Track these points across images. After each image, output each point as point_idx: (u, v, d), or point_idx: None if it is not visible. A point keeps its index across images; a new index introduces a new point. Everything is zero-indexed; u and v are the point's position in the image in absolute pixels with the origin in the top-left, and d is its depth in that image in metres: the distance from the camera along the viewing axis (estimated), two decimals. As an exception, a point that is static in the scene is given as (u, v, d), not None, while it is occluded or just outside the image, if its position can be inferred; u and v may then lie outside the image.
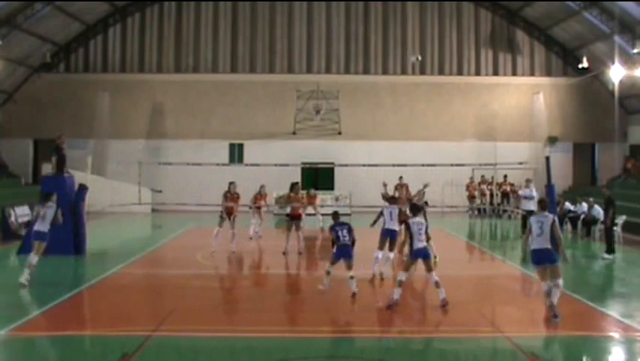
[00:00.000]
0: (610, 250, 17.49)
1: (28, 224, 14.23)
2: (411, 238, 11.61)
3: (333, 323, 10.88)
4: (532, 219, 10.87)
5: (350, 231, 12.31)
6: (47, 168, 23.80)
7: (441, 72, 32.51)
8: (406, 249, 15.73)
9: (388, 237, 13.83)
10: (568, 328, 10.35)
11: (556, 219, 10.83)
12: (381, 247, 13.65)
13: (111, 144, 31.12)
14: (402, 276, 11.40)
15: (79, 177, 18.92)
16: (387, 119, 31.85)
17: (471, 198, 30.06)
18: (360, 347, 9.67)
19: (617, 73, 26.98)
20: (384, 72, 32.49)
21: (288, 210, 18.09)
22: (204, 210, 22.30)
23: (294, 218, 17.64)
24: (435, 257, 15.89)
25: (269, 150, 30.47)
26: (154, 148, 31.01)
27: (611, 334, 10.14)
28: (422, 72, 32.44)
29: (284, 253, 17.14)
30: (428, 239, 15.99)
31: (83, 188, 17.54)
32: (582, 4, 27.70)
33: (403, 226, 14.24)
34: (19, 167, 30.80)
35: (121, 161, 29.18)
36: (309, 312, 11.70)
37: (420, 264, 15.93)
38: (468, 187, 29.97)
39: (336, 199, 29.68)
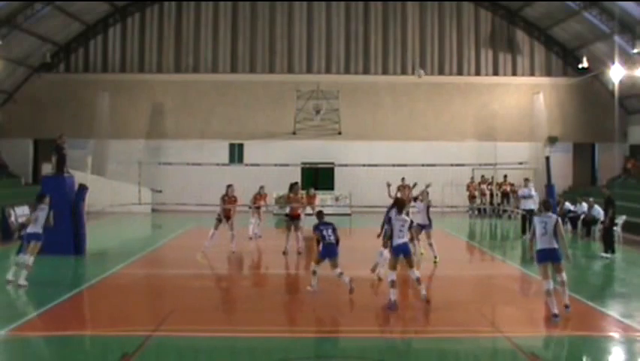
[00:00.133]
0: (608, 249, 17.57)
1: (22, 227, 14.25)
2: (392, 233, 11.55)
3: (333, 323, 10.88)
4: (536, 220, 11.00)
5: (334, 230, 12.47)
6: (47, 168, 23.79)
7: (441, 72, 32.51)
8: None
9: (402, 254, 11.56)
10: (568, 328, 10.35)
11: (559, 219, 10.99)
12: (393, 267, 11.54)
13: (111, 144, 31.12)
14: (391, 275, 11.38)
15: (79, 177, 18.93)
16: (387, 119, 31.84)
17: (471, 198, 30.05)
18: (360, 347, 9.66)
19: (617, 73, 26.99)
20: (384, 72, 32.49)
21: (288, 210, 18.11)
22: (204, 210, 22.30)
23: (294, 218, 17.66)
24: (435, 258, 15.94)
25: (269, 150, 30.47)
26: (154, 148, 31.01)
27: (611, 334, 10.13)
28: (422, 72, 32.42)
29: (284, 253, 17.15)
30: (430, 244, 16.10)
31: (82, 188, 17.53)
32: (582, 4, 27.70)
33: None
34: (19, 167, 30.81)
35: (121, 161, 29.20)
36: (309, 312, 11.70)
37: (419, 263, 16.10)
38: (468, 187, 29.97)
39: (336, 199, 29.69)
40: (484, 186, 30.13)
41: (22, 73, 31.17)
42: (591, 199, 21.92)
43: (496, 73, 32.58)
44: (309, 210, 21.91)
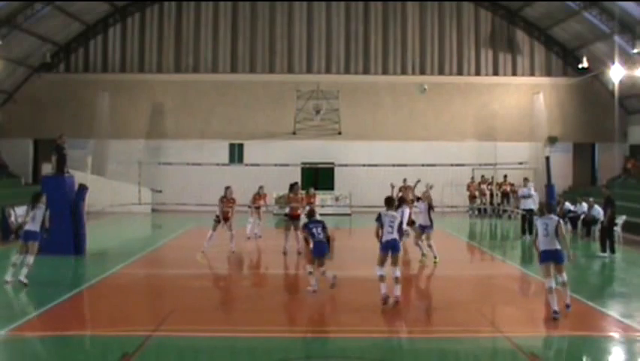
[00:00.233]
0: (605, 248, 17.64)
1: (20, 228, 14.30)
2: (382, 229, 11.55)
3: (333, 323, 10.88)
4: (538, 222, 11.17)
5: (324, 228, 12.58)
6: (47, 168, 23.79)
7: (441, 72, 32.50)
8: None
9: (390, 250, 11.62)
10: (568, 328, 10.36)
11: (561, 221, 11.10)
12: (381, 263, 11.58)
13: (111, 144, 31.12)
14: (380, 270, 11.43)
15: (79, 177, 18.94)
16: (387, 119, 31.83)
17: (472, 198, 30.05)
18: (360, 347, 9.66)
19: (617, 73, 26.98)
20: (384, 72, 32.49)
21: (287, 210, 18.14)
22: (204, 210, 22.29)
23: (293, 218, 17.68)
24: (435, 258, 15.94)
25: (269, 150, 30.47)
26: (154, 148, 31.01)
27: (611, 334, 10.13)
28: (422, 72, 32.43)
29: (284, 253, 17.17)
30: (430, 245, 16.12)
31: (83, 188, 17.54)
32: (582, 4, 27.70)
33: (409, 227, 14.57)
34: (19, 167, 30.80)
35: (121, 161, 29.21)
36: (309, 312, 11.70)
37: (419, 264, 16.11)
38: (469, 187, 29.97)
39: (336, 199, 29.70)
40: (484, 186, 30.14)
41: (22, 73, 31.17)
42: (591, 199, 21.92)
43: (496, 73, 32.58)
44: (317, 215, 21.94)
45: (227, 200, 17.59)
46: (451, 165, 23.95)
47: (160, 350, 9.18)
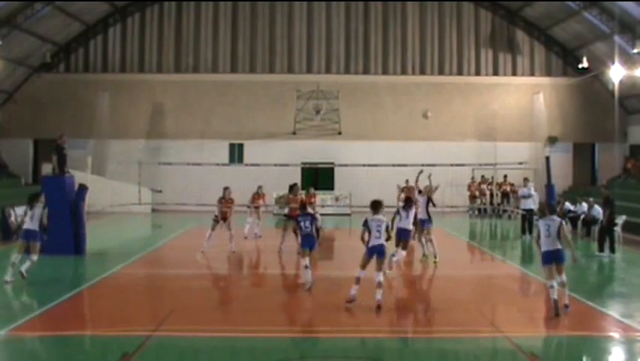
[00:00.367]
0: (603, 248, 17.71)
1: (19, 228, 14.35)
2: (369, 234, 11.46)
3: (333, 323, 10.87)
4: (541, 222, 11.28)
5: (312, 221, 12.78)
6: (47, 168, 23.82)
7: (441, 72, 32.50)
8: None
9: (375, 255, 11.56)
10: (568, 328, 10.37)
11: (563, 223, 11.26)
12: (363, 266, 11.57)
13: (111, 144, 31.12)
14: (360, 273, 11.40)
15: (79, 177, 18.95)
16: (387, 119, 31.84)
17: (472, 198, 30.06)
18: (360, 347, 9.67)
19: (617, 73, 26.98)
20: (384, 72, 32.49)
21: (287, 211, 18.17)
22: (204, 210, 22.28)
23: (292, 219, 17.67)
24: (435, 258, 15.95)
25: (269, 150, 30.46)
26: (154, 148, 31.02)
27: (611, 334, 10.13)
28: (422, 72, 32.45)
29: (278, 252, 17.16)
30: (430, 240, 16.14)
31: (83, 188, 17.54)
32: (582, 4, 27.70)
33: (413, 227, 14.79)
34: (19, 167, 30.80)
35: (121, 161, 29.18)
36: (309, 312, 11.71)
37: (419, 264, 16.12)
38: (469, 187, 29.97)
39: (336, 199, 29.70)
40: (484, 186, 30.15)
41: (22, 73, 31.17)
42: (591, 199, 21.92)
43: (496, 73, 32.58)
44: (309, 210, 21.94)
45: (225, 200, 17.63)
46: (451, 165, 23.93)
47: (160, 350, 9.18)
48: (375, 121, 31.78)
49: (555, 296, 10.70)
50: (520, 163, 24.48)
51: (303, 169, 29.79)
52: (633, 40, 26.18)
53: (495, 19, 32.74)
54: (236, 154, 31.68)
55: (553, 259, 10.94)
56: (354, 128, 31.08)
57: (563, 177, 30.72)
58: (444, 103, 32.03)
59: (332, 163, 29.36)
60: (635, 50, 25.83)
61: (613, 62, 27.04)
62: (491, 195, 30.34)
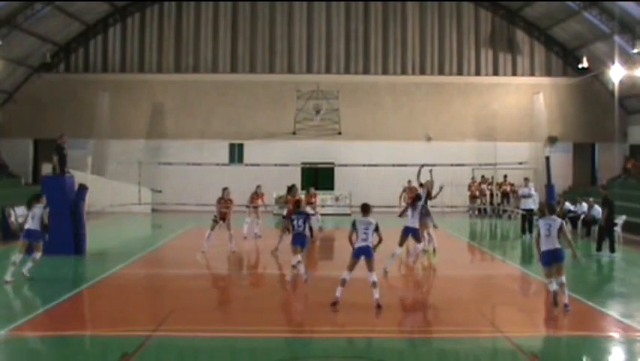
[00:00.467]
0: (601, 248, 17.77)
1: (20, 229, 14.41)
2: (357, 235, 11.54)
3: (333, 323, 10.88)
4: (541, 222, 11.43)
5: (305, 220, 12.87)
6: (47, 168, 23.81)
7: (441, 72, 32.50)
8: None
9: (363, 256, 11.58)
10: (568, 328, 10.38)
11: (564, 223, 11.47)
12: (350, 268, 11.57)
13: (111, 144, 31.11)
14: (346, 275, 11.43)
15: (79, 177, 18.94)
16: (387, 119, 31.83)
17: (473, 197, 30.05)
18: (360, 347, 9.67)
19: (617, 73, 26.98)
20: (384, 72, 32.49)
21: (285, 212, 18.19)
22: (204, 210, 22.28)
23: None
24: (434, 250, 16.08)
25: (269, 150, 30.46)
26: (154, 148, 31.01)
27: (611, 334, 10.14)
28: (422, 72, 32.45)
29: (272, 252, 17.10)
30: (419, 241, 16.16)
31: (83, 188, 17.54)
32: (582, 4, 27.70)
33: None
34: (19, 167, 30.80)
35: (121, 161, 29.16)
36: (309, 312, 11.70)
37: (420, 264, 16.13)
38: (470, 187, 29.97)
39: (336, 199, 29.69)
40: (484, 186, 30.14)
41: (22, 73, 31.17)
42: (591, 199, 21.92)
43: (496, 73, 32.57)
44: (309, 210, 21.94)
45: (224, 201, 17.65)
46: (451, 165, 23.92)
47: (160, 350, 9.18)
48: (375, 121, 31.78)
49: (554, 287, 10.95)
50: (520, 163, 24.46)
51: (303, 169, 29.79)
52: (633, 40, 26.18)
53: (495, 19, 32.74)
54: (236, 154, 31.67)
55: (552, 258, 11.06)
56: (354, 128, 31.08)
57: (563, 177, 30.72)
58: (444, 103, 32.05)
59: (332, 163, 29.35)
60: (635, 50, 25.83)
61: (613, 62, 27.04)
62: (491, 195, 30.34)
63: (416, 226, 14.80)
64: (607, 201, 18.02)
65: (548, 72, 32.59)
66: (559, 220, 11.29)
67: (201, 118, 31.74)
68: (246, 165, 28.17)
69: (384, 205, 24.99)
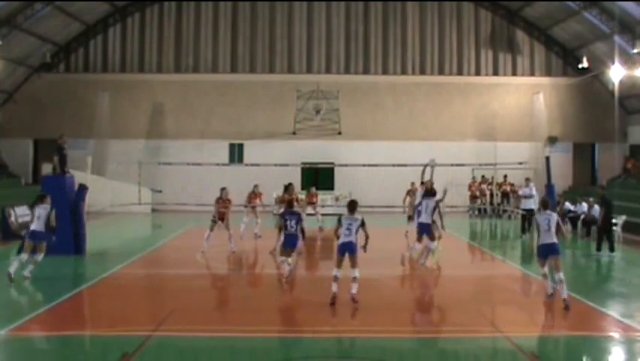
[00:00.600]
0: (600, 247, 17.79)
1: (24, 227, 14.44)
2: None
3: (333, 323, 10.88)
4: (540, 218, 11.89)
5: (298, 222, 12.82)
6: (47, 168, 23.81)
7: (441, 72, 32.49)
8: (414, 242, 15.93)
9: (346, 252, 11.81)
10: (568, 328, 10.38)
11: (558, 217, 12.16)
12: (337, 265, 11.80)
13: (111, 144, 31.11)
14: (336, 272, 11.56)
15: (79, 177, 18.92)
16: (387, 119, 31.83)
17: (473, 197, 30.04)
18: (360, 347, 9.67)
19: (617, 73, 26.97)
20: (384, 72, 32.49)
21: (281, 211, 18.12)
22: (204, 210, 22.27)
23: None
24: (434, 247, 16.17)
25: (269, 150, 30.45)
26: (154, 148, 31.01)
27: (611, 334, 10.14)
28: (422, 72, 32.45)
29: (270, 252, 17.05)
30: (433, 239, 16.19)
31: (83, 188, 17.54)
32: (582, 4, 27.69)
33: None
34: (19, 167, 30.80)
35: (121, 161, 29.14)
36: (308, 312, 11.69)
37: (419, 264, 16.12)
38: (470, 187, 29.96)
39: (336, 199, 29.67)
40: (484, 186, 30.15)
41: (22, 73, 31.17)
42: (591, 199, 21.92)
43: (496, 73, 32.57)
44: (310, 210, 21.94)
45: (223, 201, 17.64)
46: (451, 165, 23.90)
47: (160, 350, 9.18)
48: (375, 121, 31.78)
49: (550, 290, 11.59)
50: (520, 163, 24.44)
51: (303, 169, 29.78)
52: (633, 40, 26.17)
53: (495, 19, 32.74)
54: (236, 154, 31.67)
55: (549, 251, 11.60)
56: (354, 128, 31.08)
57: (563, 177, 30.71)
58: (444, 103, 32.05)
59: (332, 163, 29.35)
60: (635, 50, 25.82)
61: (613, 62, 27.03)
62: (491, 195, 30.34)
63: (428, 221, 14.94)
64: (605, 201, 18.04)
65: (548, 72, 32.58)
66: (554, 215, 11.93)
67: (201, 118, 31.74)
68: (246, 165, 28.15)
69: (385, 205, 25.15)
